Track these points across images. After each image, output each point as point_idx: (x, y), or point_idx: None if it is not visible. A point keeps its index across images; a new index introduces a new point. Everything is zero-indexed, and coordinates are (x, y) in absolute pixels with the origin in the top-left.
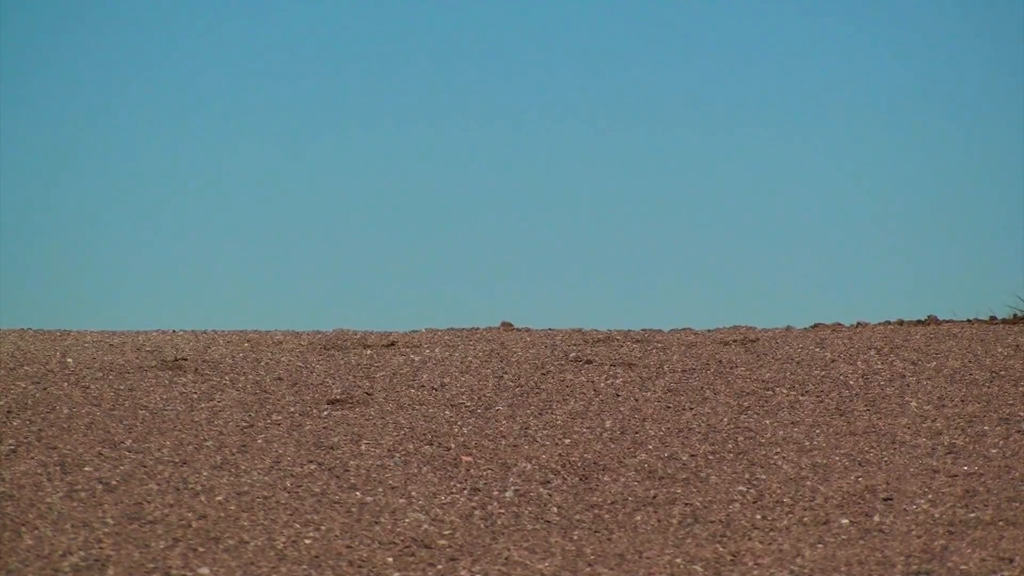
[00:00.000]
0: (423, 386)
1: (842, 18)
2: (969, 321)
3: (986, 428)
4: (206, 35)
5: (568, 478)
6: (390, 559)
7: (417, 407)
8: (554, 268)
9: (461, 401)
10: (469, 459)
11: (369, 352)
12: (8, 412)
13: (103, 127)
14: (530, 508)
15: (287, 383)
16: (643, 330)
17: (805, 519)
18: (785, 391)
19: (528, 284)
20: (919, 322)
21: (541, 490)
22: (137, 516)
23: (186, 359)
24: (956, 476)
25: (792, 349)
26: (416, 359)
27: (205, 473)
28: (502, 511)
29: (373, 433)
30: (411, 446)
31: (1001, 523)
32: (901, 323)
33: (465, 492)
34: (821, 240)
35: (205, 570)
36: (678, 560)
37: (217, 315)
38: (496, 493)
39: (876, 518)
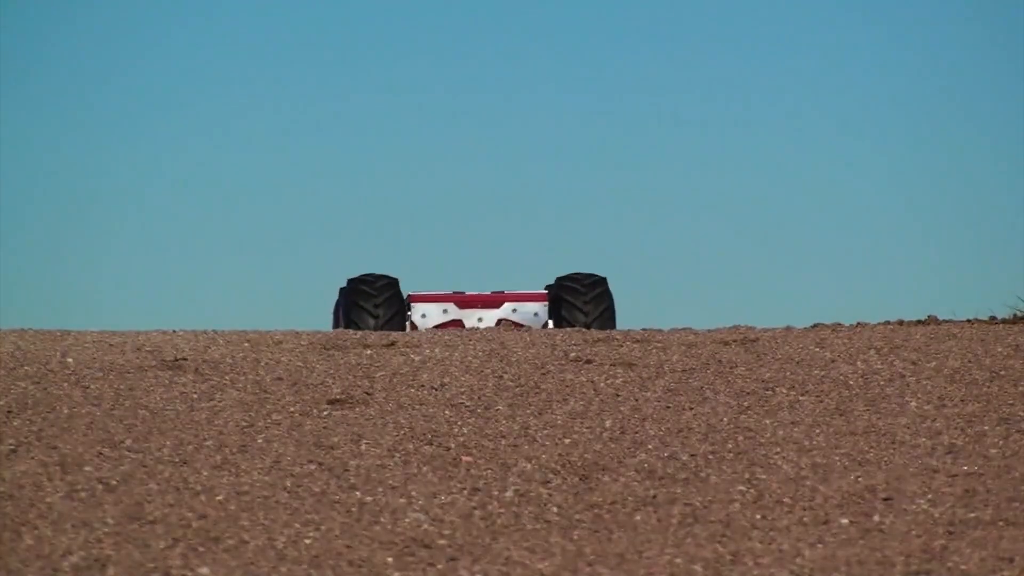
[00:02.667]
0: (423, 386)
1: (842, 20)
2: (969, 321)
3: (986, 428)
4: (205, 36)
5: (568, 478)
6: (390, 559)
7: (417, 407)
8: (555, 268)
9: (461, 401)
10: (469, 459)
11: (369, 352)
12: (8, 412)
13: (104, 128)
14: (530, 508)
15: (287, 383)
16: (643, 330)
17: (805, 519)
18: (785, 391)
19: (530, 284)
20: (919, 322)
21: (541, 490)
22: (137, 516)
23: (186, 359)
24: (956, 476)
25: (792, 349)
26: (416, 359)
27: (205, 473)
28: (502, 511)
29: (373, 433)
30: (411, 446)
31: (1001, 523)
32: (901, 323)
33: (465, 492)
34: (821, 240)
35: (205, 570)
36: (678, 560)
37: (217, 315)
38: (496, 493)
39: (876, 518)
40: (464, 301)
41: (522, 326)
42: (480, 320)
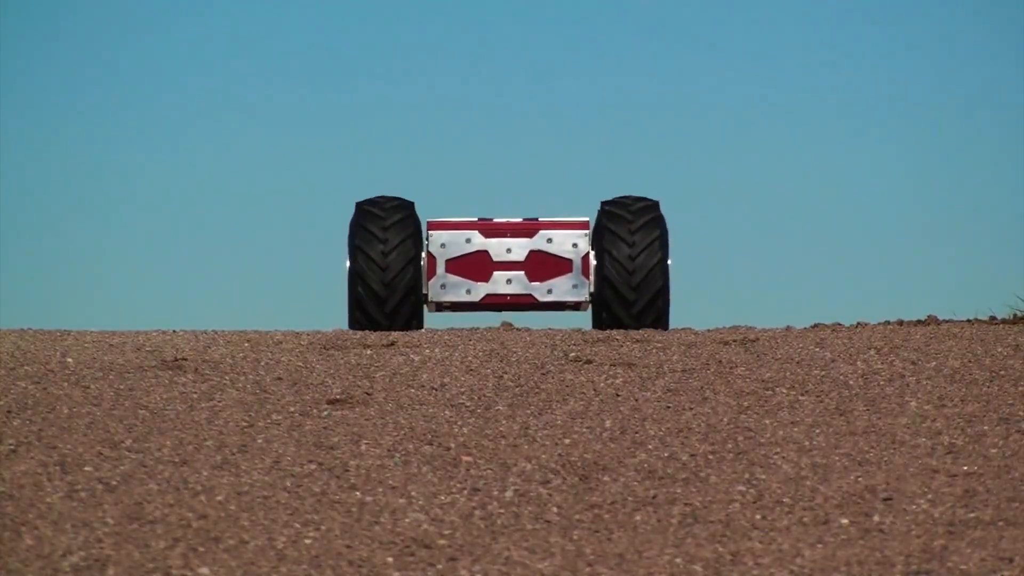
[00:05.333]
0: (423, 386)
1: (843, 21)
2: (969, 321)
3: (986, 428)
4: (204, 35)
5: (568, 478)
6: (390, 559)
7: (417, 407)
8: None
9: (461, 401)
10: (469, 459)
11: (369, 352)
12: (8, 412)
13: (103, 128)
14: (530, 508)
15: (287, 383)
16: (643, 330)
17: (805, 519)
18: (785, 391)
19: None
20: (919, 322)
21: (541, 490)
22: (137, 516)
23: (186, 359)
24: (956, 476)
25: (792, 349)
26: (416, 359)
27: (205, 473)
28: (502, 511)
29: (373, 433)
30: (411, 446)
31: (1001, 523)
32: (901, 323)
33: (465, 492)
34: (821, 240)
35: (205, 570)
36: (678, 560)
37: (217, 315)
38: (496, 493)
39: (876, 518)
40: (490, 229)
41: (560, 258)
42: (509, 251)
